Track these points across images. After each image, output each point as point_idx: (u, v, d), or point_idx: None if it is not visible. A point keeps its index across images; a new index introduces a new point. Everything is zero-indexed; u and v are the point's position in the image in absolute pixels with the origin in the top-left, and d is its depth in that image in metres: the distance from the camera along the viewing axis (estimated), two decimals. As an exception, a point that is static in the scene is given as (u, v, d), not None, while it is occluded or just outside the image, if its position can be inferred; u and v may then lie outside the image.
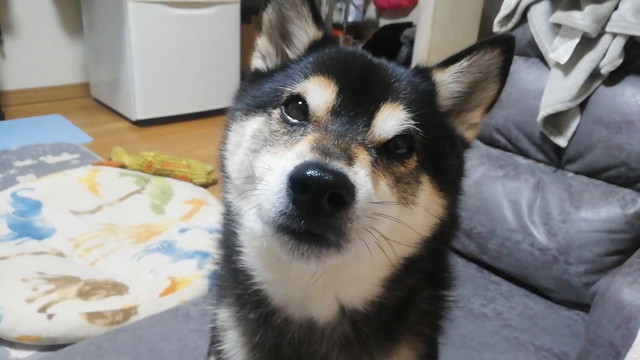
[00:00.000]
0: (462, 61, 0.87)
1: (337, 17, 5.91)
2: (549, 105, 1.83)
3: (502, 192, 1.90)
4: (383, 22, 6.00)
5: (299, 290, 0.81)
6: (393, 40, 5.46)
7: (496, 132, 2.07)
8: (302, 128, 0.75)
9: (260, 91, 0.86)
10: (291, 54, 0.92)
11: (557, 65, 1.84)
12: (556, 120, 1.86)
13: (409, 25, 5.54)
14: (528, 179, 1.88)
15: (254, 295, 0.85)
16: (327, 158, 0.63)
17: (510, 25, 2.02)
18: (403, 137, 0.76)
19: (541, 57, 1.95)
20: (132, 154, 3.41)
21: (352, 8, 5.96)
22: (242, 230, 0.84)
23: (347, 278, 0.80)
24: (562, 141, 1.86)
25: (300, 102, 0.77)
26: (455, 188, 0.87)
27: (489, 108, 0.91)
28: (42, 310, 1.89)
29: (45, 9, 4.90)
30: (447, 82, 0.88)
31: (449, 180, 0.83)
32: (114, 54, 4.63)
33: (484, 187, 1.94)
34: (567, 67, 1.81)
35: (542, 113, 1.85)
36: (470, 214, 1.94)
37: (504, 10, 2.04)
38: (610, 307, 1.32)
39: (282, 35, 0.93)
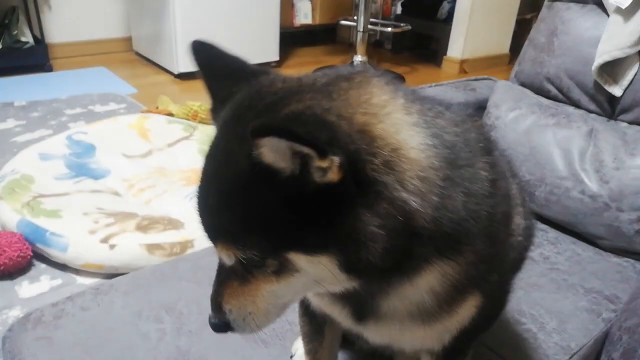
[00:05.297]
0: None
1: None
2: (606, 52, 1.80)
3: (553, 140, 1.89)
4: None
5: None
6: (434, -5, 5.36)
7: (547, 82, 2.04)
8: None
9: None
10: None
11: (618, 10, 1.80)
12: (612, 69, 1.83)
13: (451, -21, 5.40)
14: (580, 127, 1.87)
15: None
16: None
17: (568, -31, 1.97)
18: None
19: (599, 4, 1.90)
20: (178, 103, 3.48)
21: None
22: None
23: None
24: (617, 90, 1.83)
25: None
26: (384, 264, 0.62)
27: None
28: (104, 241, 2.00)
29: (90, -39, 4.94)
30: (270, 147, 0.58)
31: (363, 253, 0.60)
32: (156, 8, 4.66)
33: (533, 135, 1.93)
34: (629, 12, 1.76)
35: (598, 60, 1.81)
36: (518, 163, 1.94)
37: (560, -45, 1.99)
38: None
39: None
